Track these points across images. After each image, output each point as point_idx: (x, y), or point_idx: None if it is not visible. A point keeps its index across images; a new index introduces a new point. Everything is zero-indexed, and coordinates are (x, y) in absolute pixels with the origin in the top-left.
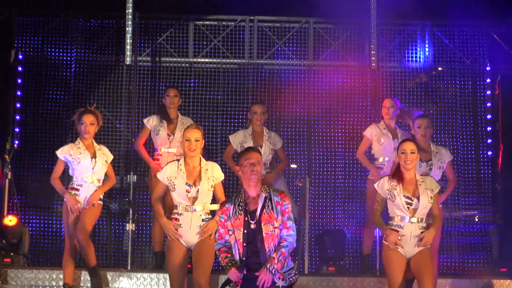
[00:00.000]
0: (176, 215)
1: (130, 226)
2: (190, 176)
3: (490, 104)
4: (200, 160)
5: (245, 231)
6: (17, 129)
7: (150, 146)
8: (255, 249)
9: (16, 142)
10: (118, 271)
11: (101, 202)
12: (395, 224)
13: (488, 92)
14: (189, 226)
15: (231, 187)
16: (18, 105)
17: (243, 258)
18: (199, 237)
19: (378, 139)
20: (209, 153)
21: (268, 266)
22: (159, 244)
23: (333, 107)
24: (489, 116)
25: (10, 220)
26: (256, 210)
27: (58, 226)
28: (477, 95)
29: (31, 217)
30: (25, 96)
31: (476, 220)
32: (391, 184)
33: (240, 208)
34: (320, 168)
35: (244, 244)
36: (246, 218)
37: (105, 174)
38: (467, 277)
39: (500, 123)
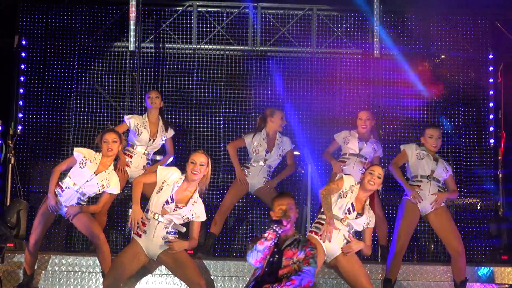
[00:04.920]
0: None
1: None
2: (177, 195)
3: (492, 92)
4: (195, 191)
5: (271, 259)
6: (20, 115)
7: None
8: (269, 276)
9: (19, 127)
10: None
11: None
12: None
13: (491, 80)
14: (152, 235)
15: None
16: (21, 90)
17: (258, 279)
18: (162, 249)
19: (345, 147)
20: (211, 140)
21: (274, 286)
22: None
23: (336, 95)
24: (491, 104)
25: None
26: (283, 245)
27: None
28: (479, 83)
29: (34, 202)
30: (29, 82)
31: (478, 207)
32: (352, 189)
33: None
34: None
35: (266, 269)
36: (275, 249)
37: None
38: (469, 265)
39: (502, 111)
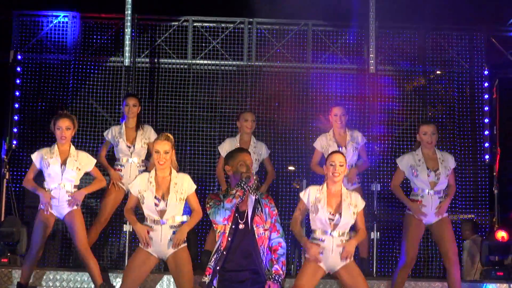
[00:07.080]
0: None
1: (127, 227)
2: (159, 189)
3: (488, 108)
4: (171, 172)
5: (233, 226)
6: (15, 129)
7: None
8: (242, 249)
9: (14, 142)
10: (115, 272)
11: (79, 208)
12: (316, 237)
13: (486, 96)
14: (160, 239)
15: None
16: (16, 105)
17: (224, 252)
18: (172, 250)
19: (327, 150)
20: (206, 156)
21: (276, 277)
22: None
23: (331, 110)
24: (486, 120)
25: None
26: (245, 211)
27: (56, 227)
28: (475, 99)
29: (29, 217)
30: (24, 97)
31: None
32: (316, 196)
33: None
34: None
35: (229, 239)
36: (236, 215)
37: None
38: (464, 281)
39: (497, 127)
